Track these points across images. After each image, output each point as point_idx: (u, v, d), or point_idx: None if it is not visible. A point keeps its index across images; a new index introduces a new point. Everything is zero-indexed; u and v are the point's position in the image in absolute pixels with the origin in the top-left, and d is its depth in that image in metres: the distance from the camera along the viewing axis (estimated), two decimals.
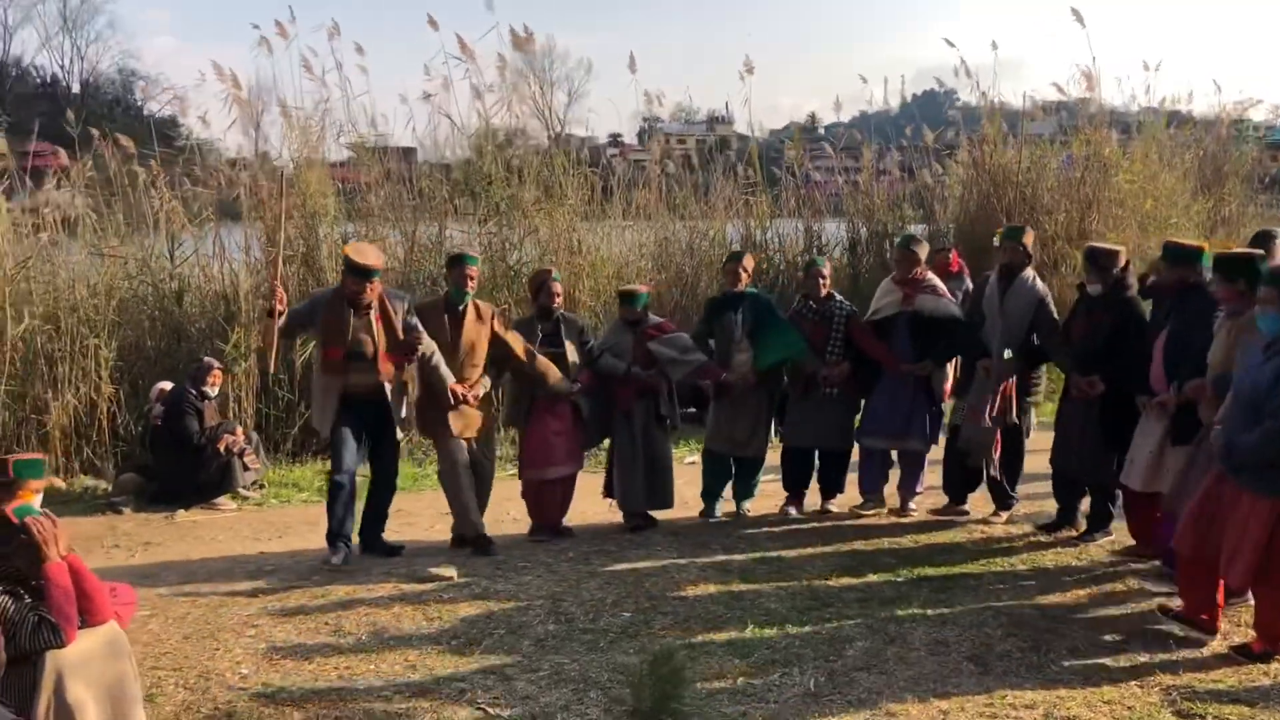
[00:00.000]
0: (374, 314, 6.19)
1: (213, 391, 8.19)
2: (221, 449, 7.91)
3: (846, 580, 5.85)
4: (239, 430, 8.26)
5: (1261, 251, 5.54)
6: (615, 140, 28.62)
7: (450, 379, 6.38)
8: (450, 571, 5.95)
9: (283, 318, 6.22)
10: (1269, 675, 4.54)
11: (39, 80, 63.45)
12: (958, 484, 7.12)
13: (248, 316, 9.72)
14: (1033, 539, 6.58)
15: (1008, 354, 6.61)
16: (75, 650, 3.76)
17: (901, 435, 7.02)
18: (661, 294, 12.48)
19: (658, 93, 14.15)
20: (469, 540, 6.54)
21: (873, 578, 5.89)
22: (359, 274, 6.10)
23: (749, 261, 7.26)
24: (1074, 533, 6.63)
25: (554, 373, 6.62)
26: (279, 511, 7.89)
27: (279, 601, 5.61)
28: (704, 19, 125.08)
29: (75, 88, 62.60)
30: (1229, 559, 4.66)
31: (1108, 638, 4.96)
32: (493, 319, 6.63)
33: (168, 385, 8.46)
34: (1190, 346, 5.45)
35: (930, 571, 5.98)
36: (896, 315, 6.97)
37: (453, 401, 6.38)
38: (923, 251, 7.11)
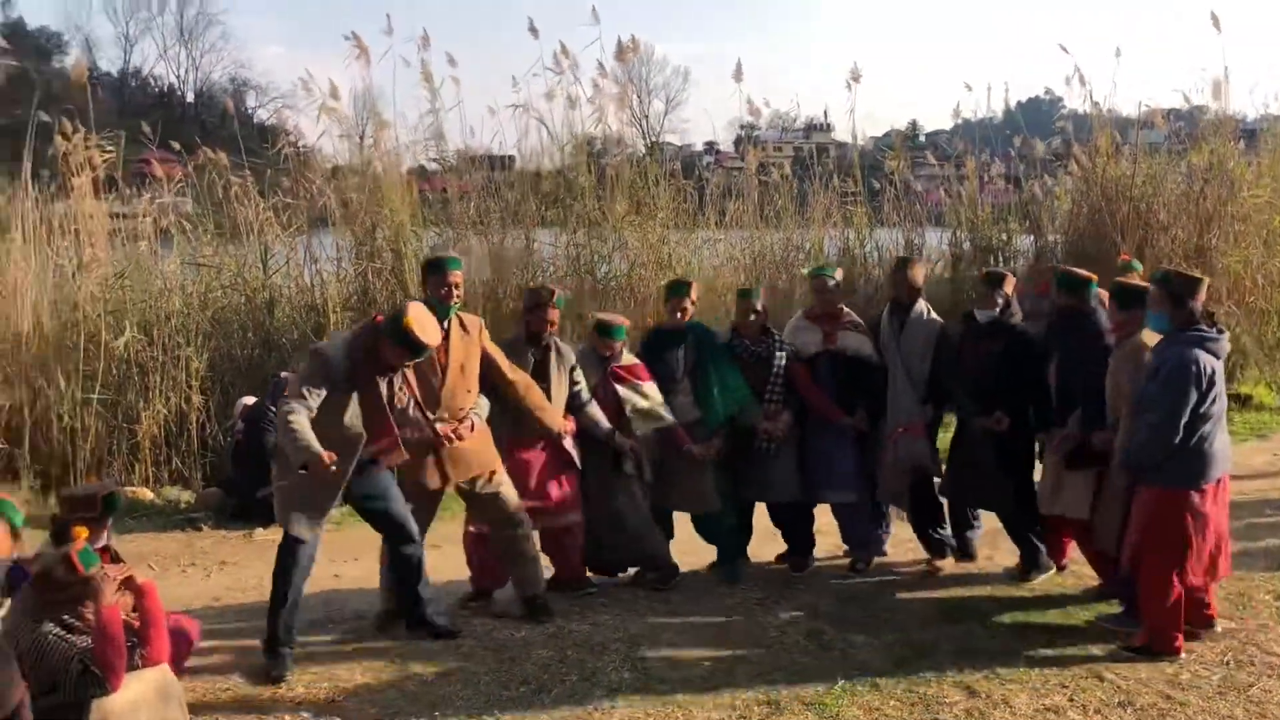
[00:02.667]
0: (408, 378, 5.09)
1: None
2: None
3: (944, 631, 5.44)
4: None
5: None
6: (711, 149, 28.41)
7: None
8: (520, 609, 5.69)
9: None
10: None
11: (157, 90, 66.00)
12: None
13: (336, 328, 9.67)
14: None
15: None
16: (123, 698, 3.63)
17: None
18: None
19: (759, 100, 13.80)
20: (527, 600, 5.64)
21: (973, 627, 5.47)
22: (417, 352, 4.89)
23: (694, 293, 6.31)
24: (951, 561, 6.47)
25: (552, 414, 5.65)
26: (356, 532, 7.67)
27: (344, 636, 5.44)
28: (808, 27, 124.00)
29: (190, 97, 64.96)
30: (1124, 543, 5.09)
31: (1239, 712, 4.49)
32: (480, 334, 5.53)
33: (251, 400, 8.41)
34: (1078, 374, 5.59)
35: (1035, 622, 5.55)
36: (817, 355, 6.32)
37: (445, 443, 5.28)
38: (833, 284, 6.42)
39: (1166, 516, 4.92)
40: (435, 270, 5.45)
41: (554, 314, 5.84)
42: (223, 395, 9.42)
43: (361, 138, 11.90)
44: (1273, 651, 5.07)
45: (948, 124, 17.09)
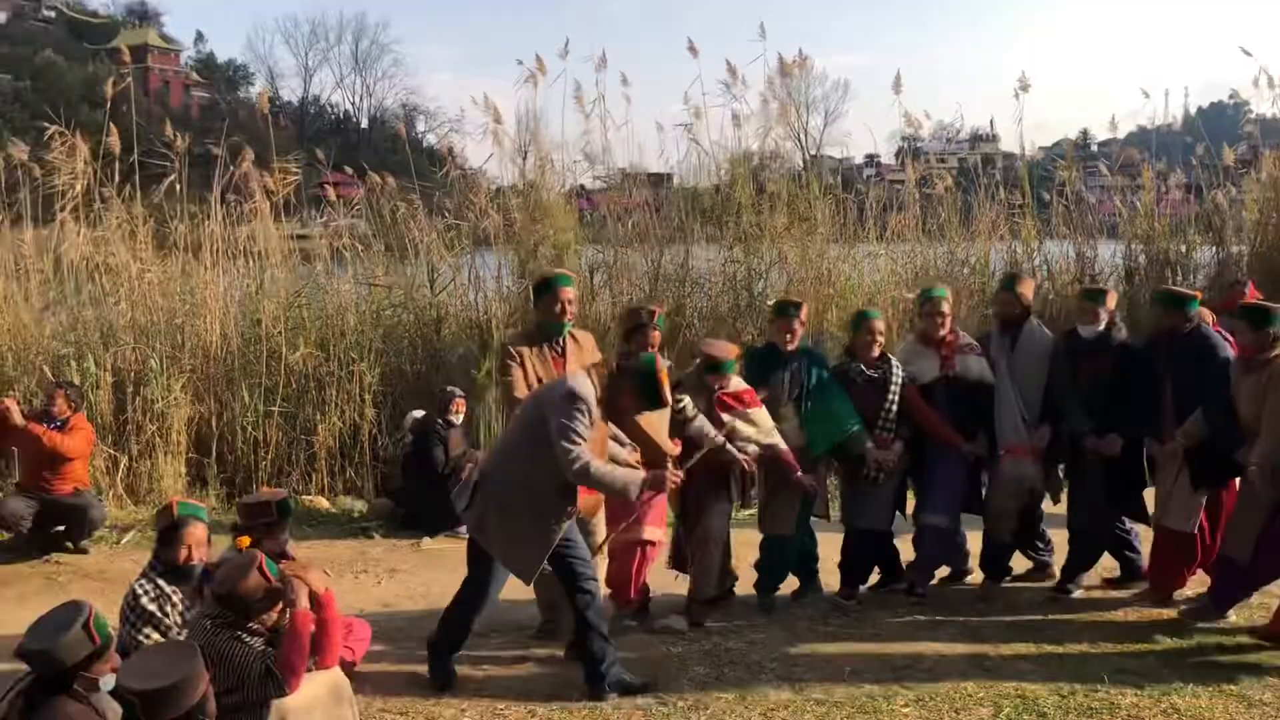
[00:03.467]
0: None
1: (457, 420, 8.38)
2: (464, 477, 8.02)
3: (1116, 659, 5.20)
4: (480, 458, 8.38)
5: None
6: (872, 161, 27.99)
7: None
8: (681, 624, 5.72)
9: None
10: None
11: (333, 117, 69.52)
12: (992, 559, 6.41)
13: (499, 343, 9.93)
14: None
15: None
16: (300, 697, 3.79)
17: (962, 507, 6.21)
18: (916, 324, 11.91)
19: (920, 111, 13.53)
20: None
21: (1148, 658, 5.22)
22: (655, 406, 4.88)
23: (804, 314, 6.08)
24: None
25: (661, 435, 5.40)
26: None
27: (507, 643, 5.57)
28: (975, 35, 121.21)
29: (364, 122, 68.14)
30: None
31: None
32: (593, 350, 5.51)
33: (420, 414, 8.72)
34: (1195, 391, 5.62)
35: (1216, 654, 5.25)
36: (934, 380, 6.05)
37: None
38: (948, 306, 6.16)
39: None
40: (547, 289, 5.34)
41: (655, 335, 5.63)
42: (393, 409, 9.79)
43: (525, 158, 12.22)
44: None
45: (1122, 132, 16.34)
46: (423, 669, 5.13)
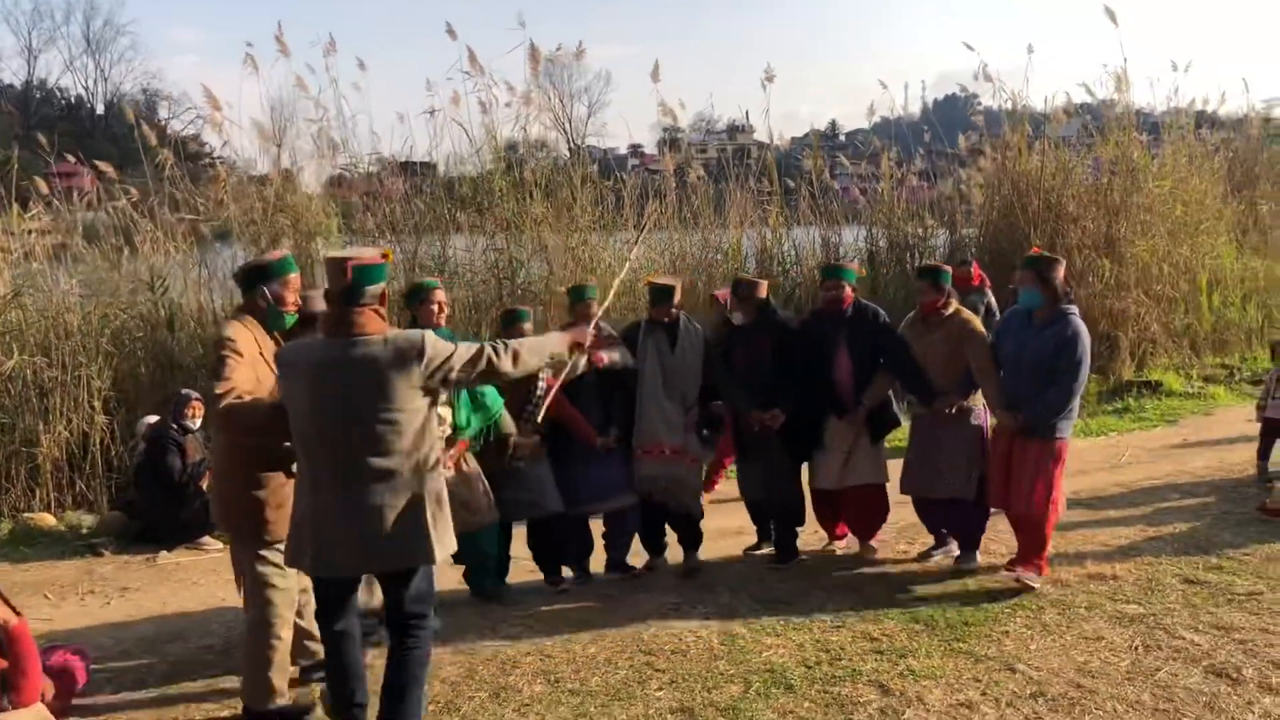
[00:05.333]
0: None
1: (194, 424, 7.84)
2: (204, 486, 7.55)
3: (859, 627, 5.41)
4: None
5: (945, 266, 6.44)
6: (636, 151, 28.36)
7: None
8: (434, 623, 5.54)
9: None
10: None
11: (64, 101, 64.34)
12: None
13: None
14: (1053, 579, 6.07)
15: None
16: None
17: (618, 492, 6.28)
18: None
19: (677, 103, 13.71)
20: None
21: (887, 624, 5.45)
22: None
23: (441, 295, 5.67)
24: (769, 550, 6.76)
25: None
26: None
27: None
28: (728, 29, 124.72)
29: (100, 109, 63.48)
30: (1026, 494, 5.72)
31: (1146, 697, 4.50)
32: None
33: (153, 419, 8.13)
34: (872, 356, 6.25)
35: (947, 617, 5.51)
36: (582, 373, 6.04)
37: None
38: (596, 307, 6.04)
39: (1059, 464, 5.76)
40: (268, 276, 4.52)
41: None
42: (128, 415, 9.11)
43: (279, 146, 11.65)
44: (1180, 635, 5.12)
45: (871, 122, 17.16)
46: (159, 696, 4.78)
